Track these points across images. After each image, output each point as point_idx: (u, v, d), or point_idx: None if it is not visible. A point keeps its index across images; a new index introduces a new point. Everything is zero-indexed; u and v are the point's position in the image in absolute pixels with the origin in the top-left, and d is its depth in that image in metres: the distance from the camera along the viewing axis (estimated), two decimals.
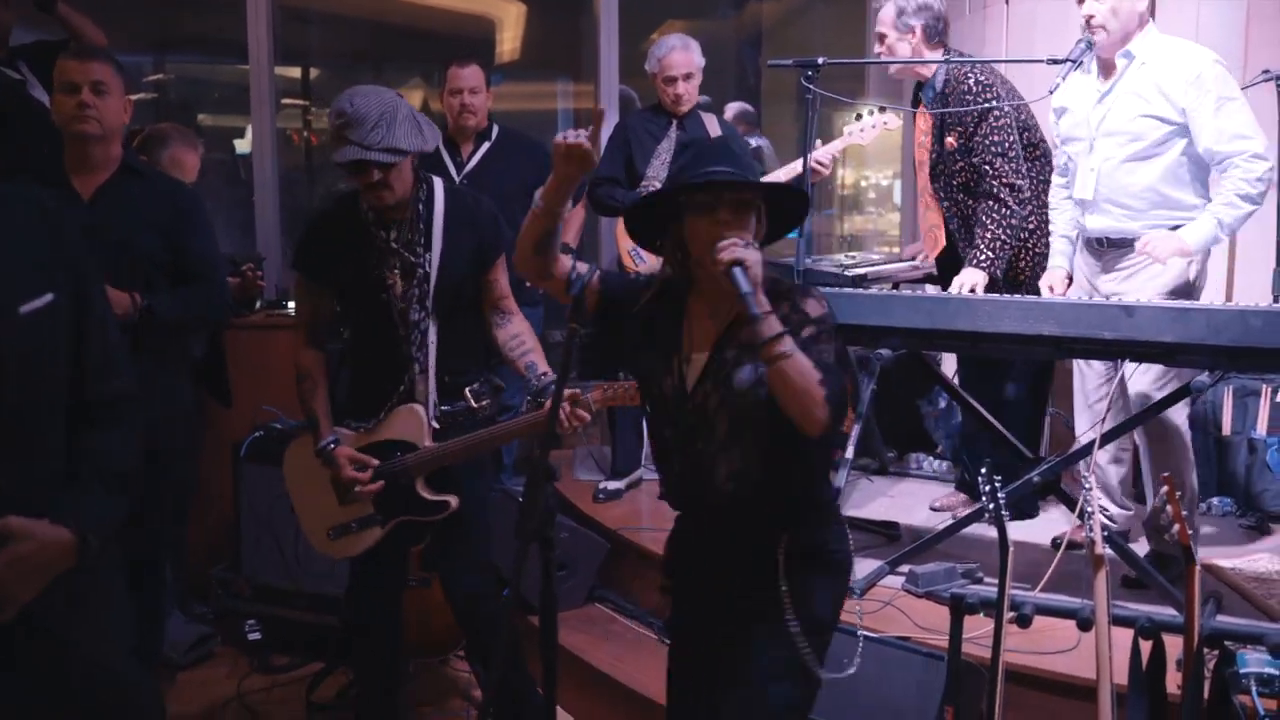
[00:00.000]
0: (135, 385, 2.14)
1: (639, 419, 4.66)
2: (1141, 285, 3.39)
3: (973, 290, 3.57)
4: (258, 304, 4.83)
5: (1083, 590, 2.92)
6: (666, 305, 2.25)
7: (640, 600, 3.98)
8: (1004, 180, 3.77)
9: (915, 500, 4.49)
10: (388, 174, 2.88)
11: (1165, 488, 2.30)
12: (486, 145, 4.57)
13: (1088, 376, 3.71)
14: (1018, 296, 3.42)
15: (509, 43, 7.39)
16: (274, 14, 5.45)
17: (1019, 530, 3.99)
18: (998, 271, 3.73)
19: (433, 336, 3.03)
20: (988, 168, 3.79)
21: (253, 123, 5.40)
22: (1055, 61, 3.46)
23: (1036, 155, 4.00)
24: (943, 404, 4.92)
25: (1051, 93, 3.50)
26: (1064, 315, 3.03)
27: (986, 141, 3.81)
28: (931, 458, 4.94)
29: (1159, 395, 3.33)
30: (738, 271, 2.00)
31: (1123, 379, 3.41)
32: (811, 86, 3.75)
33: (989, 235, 3.72)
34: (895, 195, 7.70)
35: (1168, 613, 2.89)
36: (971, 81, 3.84)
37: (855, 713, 2.77)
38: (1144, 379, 3.41)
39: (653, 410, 2.30)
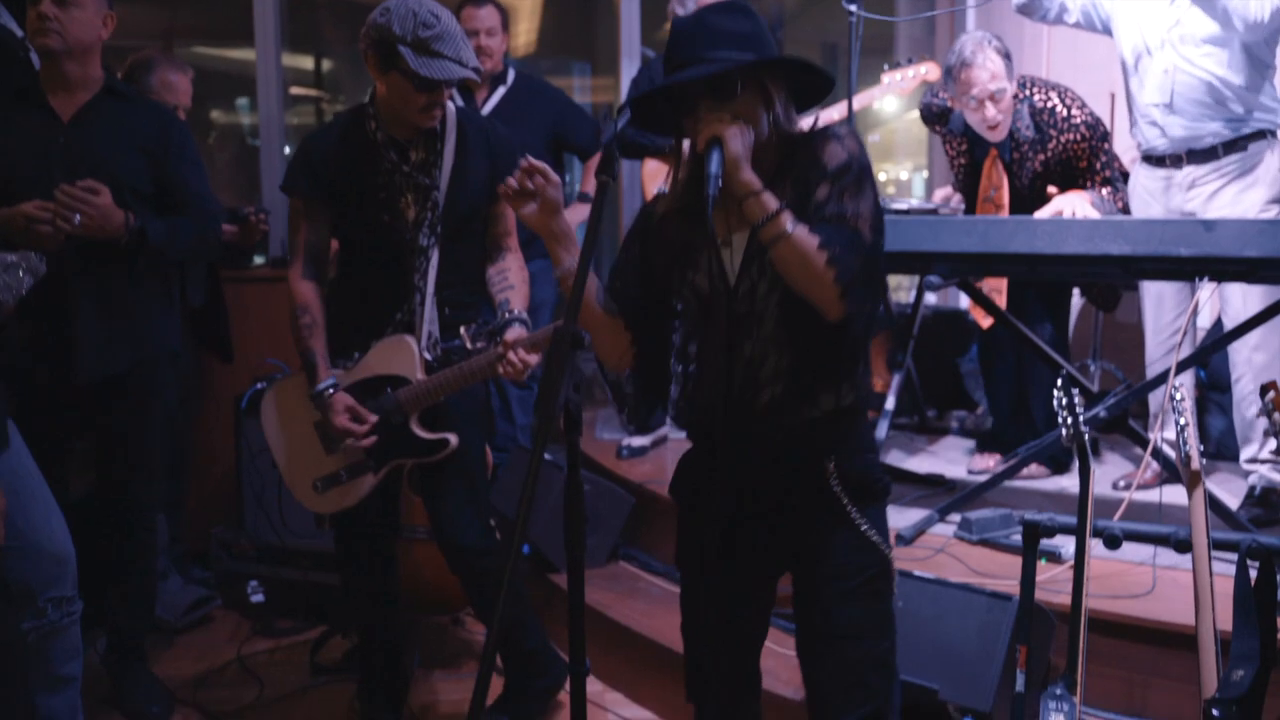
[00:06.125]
0: None
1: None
2: (1232, 200, 3.23)
3: (1074, 211, 3.35)
4: (256, 258, 4.61)
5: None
6: (689, 204, 1.92)
7: (668, 555, 3.73)
8: (1118, 184, 3.57)
9: (958, 455, 4.25)
10: (445, 94, 2.72)
11: (1271, 393, 2.03)
12: (502, 90, 4.34)
13: (1164, 306, 3.47)
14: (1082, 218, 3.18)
15: (524, 35, 7.19)
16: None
17: (1060, 484, 3.78)
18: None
19: (435, 263, 2.81)
20: (1104, 181, 3.56)
21: (259, 69, 5.18)
22: None
23: None
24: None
25: None
26: (1134, 233, 2.78)
27: (1099, 163, 3.56)
28: (972, 415, 4.70)
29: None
30: (713, 152, 1.74)
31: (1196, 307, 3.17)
32: (853, 9, 3.53)
33: (1117, 196, 3.49)
34: (917, 189, 7.51)
35: None
36: (1060, 106, 3.56)
37: (914, 659, 2.51)
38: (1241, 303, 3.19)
39: (683, 322, 1.99)
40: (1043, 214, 3.39)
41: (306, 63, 6.98)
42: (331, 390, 2.79)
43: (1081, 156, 3.52)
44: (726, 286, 1.88)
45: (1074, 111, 3.51)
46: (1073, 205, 3.37)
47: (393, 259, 2.82)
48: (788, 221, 1.72)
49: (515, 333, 2.74)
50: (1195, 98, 3.32)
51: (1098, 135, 3.52)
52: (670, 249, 1.95)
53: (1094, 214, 3.34)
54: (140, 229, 2.95)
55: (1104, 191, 3.45)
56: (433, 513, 2.96)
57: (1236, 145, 3.32)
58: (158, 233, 3.01)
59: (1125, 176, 3.60)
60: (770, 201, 1.73)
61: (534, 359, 2.73)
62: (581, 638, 1.62)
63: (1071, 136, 3.50)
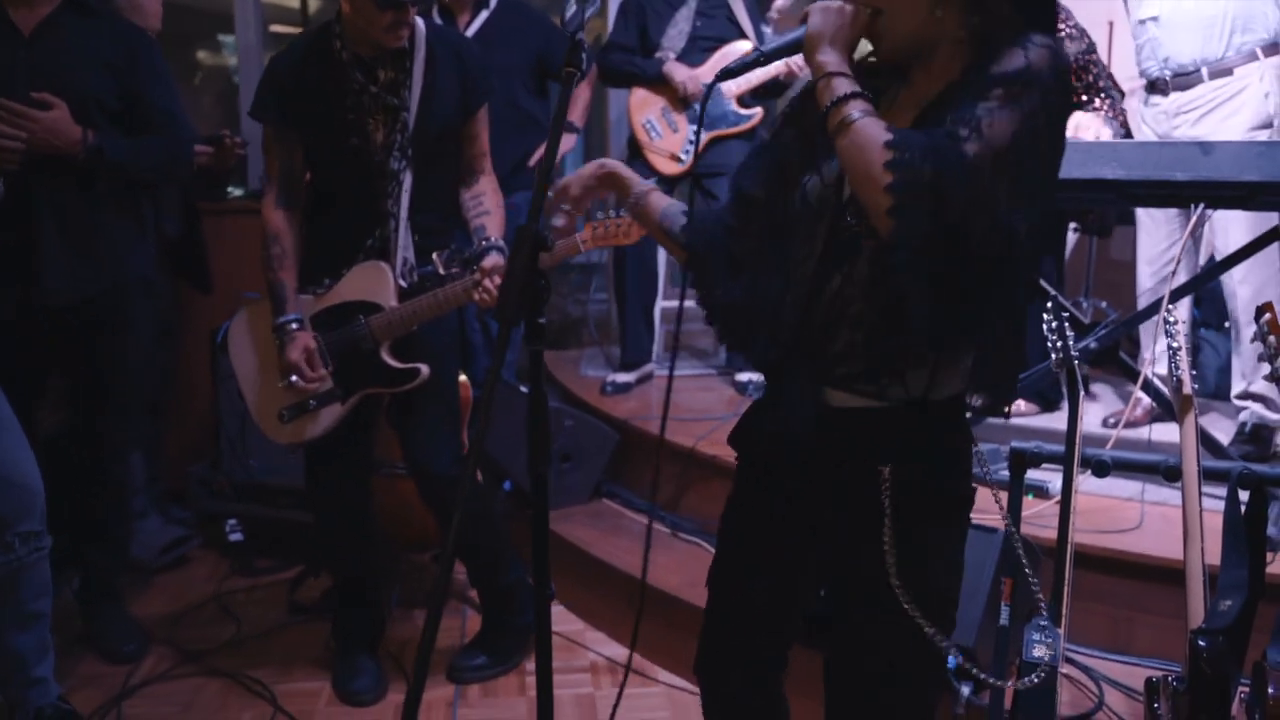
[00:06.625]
0: None
1: (649, 308, 4.34)
2: (1216, 126, 3.08)
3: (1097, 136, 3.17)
4: (235, 190, 4.51)
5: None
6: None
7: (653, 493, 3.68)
8: (1114, 94, 3.39)
9: None
10: (412, 12, 2.62)
11: (1267, 315, 1.96)
12: (485, 14, 4.21)
13: (1156, 235, 3.39)
14: (1078, 139, 3.08)
15: None
16: None
17: (1049, 421, 3.71)
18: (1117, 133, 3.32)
19: (408, 187, 2.73)
20: (1094, 95, 3.38)
21: (236, 5, 5.05)
22: None
23: None
24: None
25: None
26: (1130, 157, 2.68)
27: (1091, 71, 3.39)
28: None
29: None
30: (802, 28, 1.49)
31: (1191, 238, 3.09)
32: None
33: (1116, 109, 3.34)
34: None
35: None
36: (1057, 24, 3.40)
37: None
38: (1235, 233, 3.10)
39: (769, 231, 1.64)
40: None
41: (292, 0, 6.83)
42: (295, 325, 2.72)
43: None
44: (838, 197, 1.54)
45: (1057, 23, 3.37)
46: (1092, 129, 3.23)
47: (363, 183, 2.73)
48: (855, 109, 1.41)
49: (493, 260, 2.67)
50: (1184, 15, 3.25)
51: (1082, 48, 3.38)
52: (806, 142, 1.62)
53: (1107, 132, 3.21)
54: (98, 146, 2.85)
55: (1105, 107, 3.31)
56: (405, 443, 2.90)
57: (1221, 69, 3.24)
58: (118, 149, 2.90)
59: (1120, 93, 3.48)
60: (840, 86, 1.43)
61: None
62: (545, 559, 1.55)
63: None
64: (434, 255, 2.77)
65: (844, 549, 1.61)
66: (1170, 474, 2.05)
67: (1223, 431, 3.37)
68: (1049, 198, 1.43)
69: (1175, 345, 2.06)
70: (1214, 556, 1.94)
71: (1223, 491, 2.01)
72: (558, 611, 3.35)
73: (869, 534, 1.54)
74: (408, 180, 2.73)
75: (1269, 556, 2.00)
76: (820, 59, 1.47)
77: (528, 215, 1.51)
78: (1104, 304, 4.32)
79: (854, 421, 1.54)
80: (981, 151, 1.34)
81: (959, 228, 1.33)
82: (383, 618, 3.13)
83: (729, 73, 1.60)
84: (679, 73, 4.07)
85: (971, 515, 1.96)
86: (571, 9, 1.64)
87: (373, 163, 2.71)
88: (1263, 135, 3.19)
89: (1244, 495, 1.99)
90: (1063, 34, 3.35)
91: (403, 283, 2.75)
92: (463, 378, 3.20)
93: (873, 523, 1.53)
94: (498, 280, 2.63)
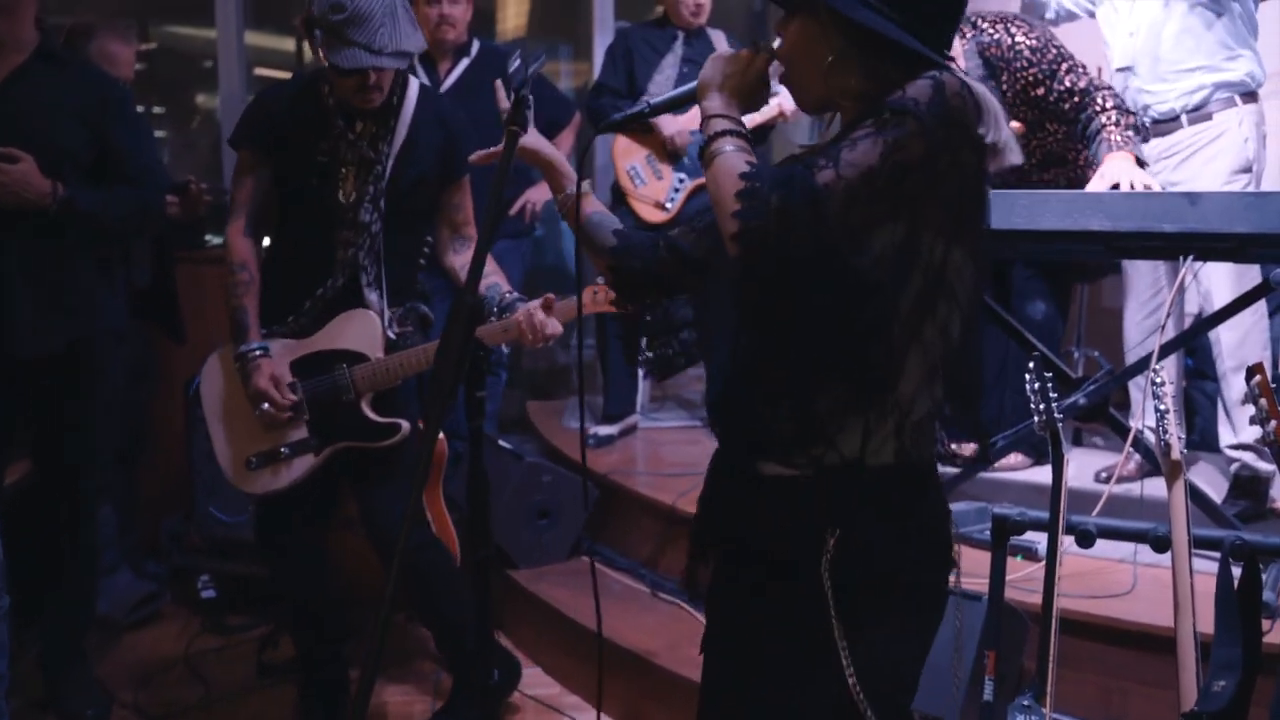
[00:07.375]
0: None
1: (633, 359, 4.27)
2: (1198, 170, 3.05)
3: (1132, 184, 2.88)
4: (214, 238, 4.45)
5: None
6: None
7: (633, 551, 3.58)
8: (1107, 94, 3.16)
9: None
10: (382, 76, 2.58)
11: (1258, 377, 1.87)
12: (466, 62, 4.18)
13: (1140, 285, 3.31)
14: (1062, 191, 3.01)
15: (513, 19, 7.05)
16: None
17: (1044, 475, 3.61)
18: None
19: (382, 242, 2.68)
20: (1085, 100, 3.17)
21: (219, 48, 5.02)
22: None
23: None
24: None
25: None
26: (1116, 207, 2.61)
27: (1064, 86, 3.20)
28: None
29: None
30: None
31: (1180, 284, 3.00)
32: None
33: (1123, 121, 3.09)
34: None
35: None
36: (1005, 36, 3.23)
37: None
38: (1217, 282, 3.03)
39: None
40: (1094, 188, 2.97)
41: (287, 44, 6.83)
42: (258, 353, 2.65)
43: (1037, 83, 3.21)
44: None
45: (1019, 38, 3.21)
46: (1128, 176, 2.93)
47: (323, 230, 2.68)
48: (727, 144, 1.43)
49: (543, 299, 2.53)
50: (1155, 62, 3.22)
51: (1048, 59, 3.20)
52: None
53: (1150, 179, 2.95)
54: (68, 198, 2.80)
55: (1111, 120, 3.07)
56: (364, 501, 2.80)
57: (1201, 115, 3.19)
58: (88, 201, 2.85)
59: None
60: (717, 124, 1.47)
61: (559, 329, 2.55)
62: (491, 641, 1.47)
63: (1019, 64, 3.21)
64: (387, 313, 2.72)
65: (781, 630, 1.49)
66: (1159, 544, 1.96)
67: (1216, 487, 3.27)
68: (930, 228, 1.38)
69: (1163, 408, 1.98)
70: (1208, 624, 1.85)
71: (1218, 553, 1.92)
72: (533, 674, 3.26)
73: (807, 613, 1.43)
74: (380, 236, 2.68)
75: (1266, 625, 1.91)
76: (705, 103, 1.50)
77: (465, 283, 1.44)
78: (1096, 353, 4.23)
79: (789, 491, 1.46)
80: (831, 181, 1.33)
81: (801, 256, 1.34)
82: (347, 683, 3.02)
83: (613, 125, 1.62)
84: (668, 126, 4.05)
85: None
86: (515, 64, 1.58)
87: (337, 209, 2.67)
88: (1242, 179, 3.14)
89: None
90: (1021, 46, 3.20)
91: (391, 334, 2.68)
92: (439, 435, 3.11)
93: (814, 601, 1.42)
94: (550, 316, 2.51)
